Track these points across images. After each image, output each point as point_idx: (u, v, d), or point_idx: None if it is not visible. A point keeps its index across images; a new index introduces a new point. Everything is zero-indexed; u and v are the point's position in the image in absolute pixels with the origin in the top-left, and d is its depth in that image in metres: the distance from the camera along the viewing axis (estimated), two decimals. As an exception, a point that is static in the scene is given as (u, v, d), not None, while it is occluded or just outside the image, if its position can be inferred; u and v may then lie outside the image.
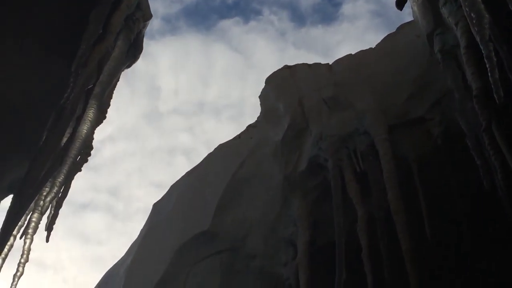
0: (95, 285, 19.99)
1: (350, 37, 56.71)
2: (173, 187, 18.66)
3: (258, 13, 59.14)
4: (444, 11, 10.33)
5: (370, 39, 56.97)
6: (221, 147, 17.75)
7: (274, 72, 16.60)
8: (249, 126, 17.36)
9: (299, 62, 16.42)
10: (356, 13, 56.69)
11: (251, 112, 59.91)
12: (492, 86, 7.47)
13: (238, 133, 17.33)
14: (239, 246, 15.80)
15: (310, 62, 16.30)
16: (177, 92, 57.89)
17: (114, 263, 19.87)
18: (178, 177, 18.71)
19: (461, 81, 10.61)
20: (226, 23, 58.82)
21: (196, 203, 16.76)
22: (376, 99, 14.23)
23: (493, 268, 13.71)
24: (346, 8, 56.91)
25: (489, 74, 7.56)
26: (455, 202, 13.16)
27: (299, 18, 59.76)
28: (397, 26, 15.17)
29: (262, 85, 16.61)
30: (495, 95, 7.43)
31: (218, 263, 15.93)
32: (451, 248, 13.87)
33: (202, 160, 18.15)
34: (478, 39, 8.00)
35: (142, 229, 19.14)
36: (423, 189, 13.18)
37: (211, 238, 15.94)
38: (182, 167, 55.92)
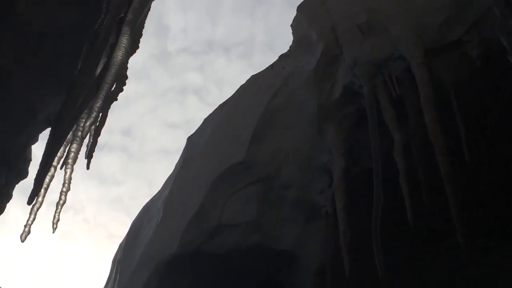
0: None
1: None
2: (207, 120, 18.70)
3: None
4: None
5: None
6: (254, 78, 17.61)
7: (306, 0, 16.25)
8: (282, 56, 17.13)
9: None
10: None
11: (261, 49, 58.98)
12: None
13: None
14: (274, 176, 15.85)
15: None
16: (185, 30, 57.26)
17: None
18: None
19: (502, -1, 10.24)
20: (231, -43, 56.54)
21: (230, 135, 16.78)
22: (412, 22, 13.81)
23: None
24: None
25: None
26: (494, 124, 12.95)
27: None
28: None
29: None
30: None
31: (253, 194, 16.04)
32: (490, 173, 13.73)
33: (235, 92, 18.08)
34: None
35: (177, 163, 19.36)
36: (461, 112, 12.96)
37: (246, 169, 16.01)
38: (193, 106, 55.92)
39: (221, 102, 18.38)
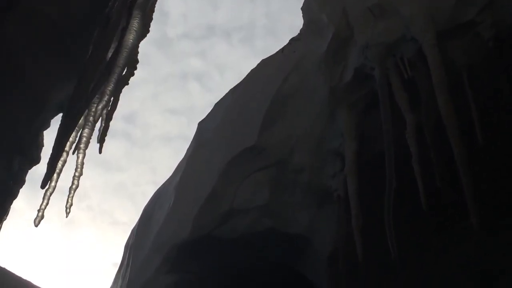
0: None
1: None
2: (218, 105, 18.68)
3: None
4: None
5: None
6: (264, 62, 17.56)
7: (316, -17, 16.14)
8: (292, 40, 17.04)
9: None
10: None
11: (262, 34, 58.69)
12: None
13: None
14: (286, 160, 15.84)
15: None
16: (185, 16, 57.01)
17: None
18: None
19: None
20: None
21: (241, 119, 16.76)
22: (423, 4, 13.65)
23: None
24: None
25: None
26: (508, 108, 12.84)
27: None
28: None
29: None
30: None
31: (266, 178, 16.05)
32: (503, 155, 13.64)
33: (245, 77, 18.04)
34: None
35: (188, 148, 19.39)
36: (474, 95, 12.85)
37: (258, 153, 16.00)
38: (195, 92, 55.91)
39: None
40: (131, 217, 59.12)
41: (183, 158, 19.47)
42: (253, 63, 57.83)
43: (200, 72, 58.68)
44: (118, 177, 57.15)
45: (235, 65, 59.80)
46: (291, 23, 57.95)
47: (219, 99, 18.58)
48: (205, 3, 57.72)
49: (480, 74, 13.24)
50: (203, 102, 59.42)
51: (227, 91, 18.42)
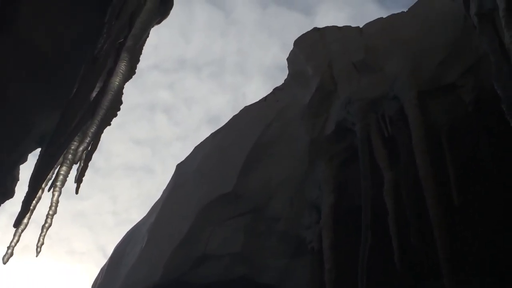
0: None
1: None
2: (198, 148, 18.64)
3: (239, -34, 57.21)
4: (484, -27, 10.02)
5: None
6: (247, 110, 17.65)
7: (303, 34, 16.44)
8: (276, 89, 17.22)
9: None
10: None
11: (232, 70, 58.97)
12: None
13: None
14: (263, 208, 15.79)
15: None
16: (157, 47, 57.26)
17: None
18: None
19: (497, 45, 10.33)
20: (206, -23, 56.98)
21: (221, 164, 16.73)
22: (407, 63, 13.99)
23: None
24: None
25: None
26: (485, 170, 13.00)
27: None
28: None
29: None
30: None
31: (241, 225, 15.95)
32: (479, 216, 13.75)
33: (228, 122, 18.08)
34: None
35: (165, 189, 19.23)
36: (452, 156, 13.03)
37: (235, 200, 15.94)
38: (162, 124, 55.86)
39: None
40: (88, 247, 58.16)
41: (159, 199, 19.29)
42: (221, 99, 58.05)
43: (168, 104, 58.74)
44: (78, 205, 56.43)
45: (203, 99, 59.99)
46: (261, 62, 58.58)
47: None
48: (177, 35, 57.89)
49: (460, 136, 13.47)
50: (169, 134, 59.21)
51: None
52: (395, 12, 15.29)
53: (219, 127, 17.73)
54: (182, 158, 18.45)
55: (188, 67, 59.16)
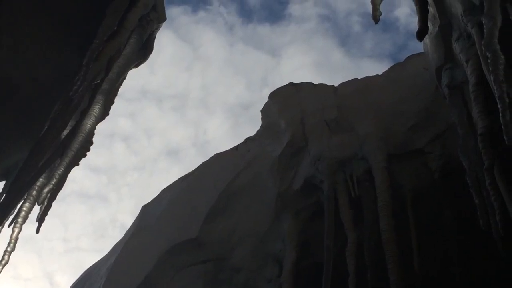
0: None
1: (297, 39, 56.31)
2: (165, 191, 18.54)
3: (207, 3, 58.11)
4: (456, 47, 10.32)
5: (318, 43, 56.49)
6: (217, 157, 17.69)
7: (279, 88, 16.63)
8: (248, 139, 17.33)
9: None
10: (304, 15, 56.29)
11: (195, 104, 59.02)
12: (503, 127, 7.40)
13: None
14: (225, 257, 15.70)
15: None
16: None
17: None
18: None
19: (465, 118, 10.59)
20: (174, 11, 56.73)
21: (187, 209, 16.65)
22: (378, 126, 14.25)
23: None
24: (294, 9, 56.24)
25: (501, 115, 7.48)
26: (447, 238, 13.13)
27: (247, 13, 59.24)
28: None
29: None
30: (505, 136, 7.37)
31: (202, 272, 15.80)
32: (439, 284, 13.81)
33: (197, 167, 18.07)
34: (491, 78, 7.93)
35: (128, 231, 18.99)
36: (415, 221, 13.18)
37: (198, 246, 15.82)
38: (119, 152, 55.39)
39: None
40: (35, 273, 56.61)
41: (120, 240, 19.02)
42: (182, 132, 57.97)
43: (127, 133, 58.36)
44: (27, 229, 55.07)
45: (163, 131, 59.76)
46: (225, 99, 58.78)
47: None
48: (142, 65, 58.12)
49: (424, 202, 13.65)
50: (126, 164, 58.64)
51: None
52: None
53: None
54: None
55: (150, 98, 58.89)
